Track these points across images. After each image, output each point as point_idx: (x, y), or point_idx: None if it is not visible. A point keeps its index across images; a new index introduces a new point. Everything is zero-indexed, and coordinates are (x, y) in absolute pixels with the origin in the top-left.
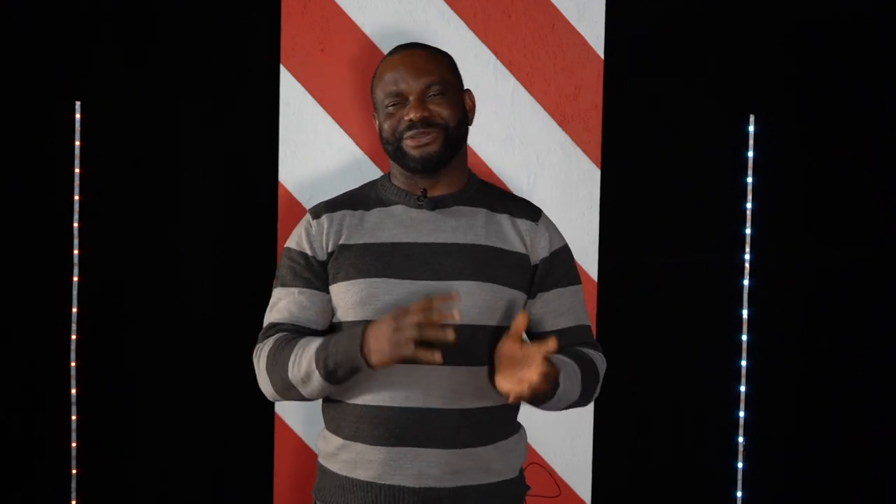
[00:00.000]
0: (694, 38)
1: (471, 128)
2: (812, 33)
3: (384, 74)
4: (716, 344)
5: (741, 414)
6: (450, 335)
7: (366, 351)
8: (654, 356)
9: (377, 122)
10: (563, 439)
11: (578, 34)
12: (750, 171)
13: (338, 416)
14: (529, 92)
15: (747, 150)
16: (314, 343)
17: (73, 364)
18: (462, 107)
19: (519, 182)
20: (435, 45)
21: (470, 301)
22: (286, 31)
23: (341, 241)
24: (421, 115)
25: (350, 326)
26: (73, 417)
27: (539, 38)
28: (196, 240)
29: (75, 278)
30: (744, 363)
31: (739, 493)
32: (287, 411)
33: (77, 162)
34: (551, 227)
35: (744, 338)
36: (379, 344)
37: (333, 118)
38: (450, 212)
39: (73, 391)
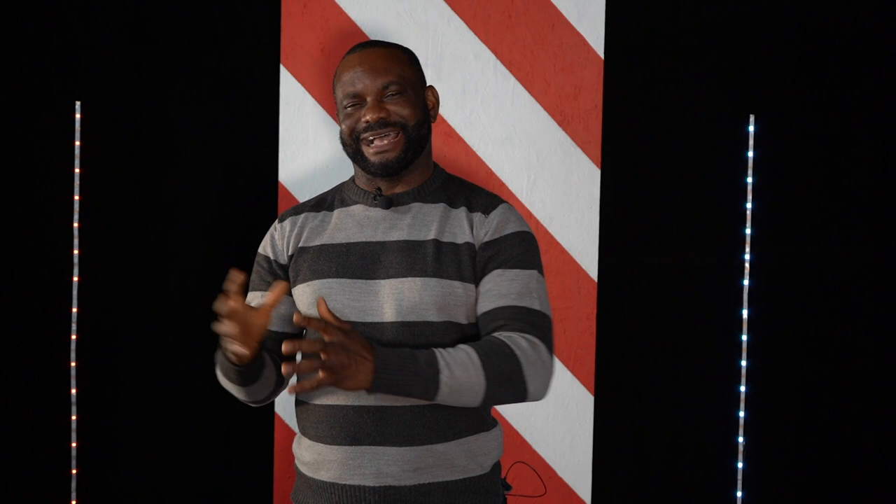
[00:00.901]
0: (694, 38)
1: (471, 128)
2: (812, 33)
3: (342, 74)
4: (716, 344)
5: (741, 414)
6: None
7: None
8: (654, 356)
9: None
10: (563, 439)
11: (578, 34)
12: (750, 171)
13: (304, 417)
14: (529, 92)
15: (747, 150)
16: (219, 354)
17: (73, 364)
18: (423, 104)
19: (519, 182)
20: (435, 45)
21: (417, 297)
22: (286, 31)
23: (301, 244)
24: (378, 116)
25: (311, 330)
26: (73, 417)
27: (539, 38)
28: (196, 240)
29: (75, 278)
30: (744, 363)
31: (739, 493)
32: (287, 412)
33: (77, 162)
34: (505, 215)
35: (744, 338)
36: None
37: (333, 118)
38: (406, 209)
39: (73, 391)
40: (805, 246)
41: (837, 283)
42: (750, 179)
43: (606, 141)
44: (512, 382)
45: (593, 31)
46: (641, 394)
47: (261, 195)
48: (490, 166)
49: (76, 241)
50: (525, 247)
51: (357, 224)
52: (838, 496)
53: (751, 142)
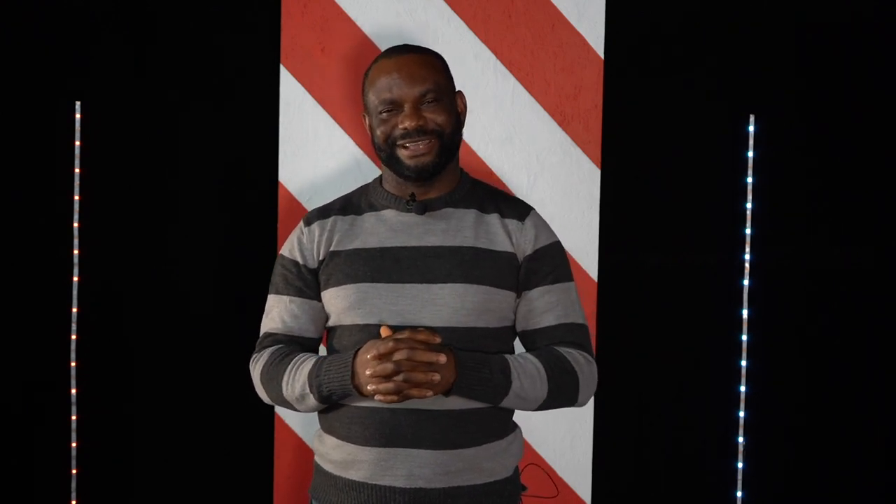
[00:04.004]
0: (694, 38)
1: (471, 128)
2: (812, 33)
3: (377, 79)
4: (716, 344)
5: (741, 414)
6: (435, 378)
7: (356, 383)
8: (654, 356)
9: (367, 121)
10: (563, 439)
11: (578, 34)
12: (750, 171)
13: (331, 416)
14: (529, 92)
15: (747, 150)
16: (307, 365)
17: (73, 364)
18: (455, 111)
19: (519, 182)
20: (435, 45)
21: (458, 303)
22: (286, 31)
23: (332, 248)
24: (416, 123)
25: (343, 332)
26: (73, 417)
27: (539, 38)
28: (196, 240)
29: (75, 278)
30: (744, 363)
31: (739, 493)
32: (287, 412)
33: (77, 162)
34: (539, 224)
35: (744, 338)
36: (367, 379)
37: (333, 118)
38: (439, 214)
39: (73, 391)
40: (805, 246)
41: (837, 283)
42: (750, 179)
43: (606, 141)
44: (567, 396)
45: (593, 31)
46: (641, 394)
47: (261, 195)
48: (490, 166)
49: (76, 241)
50: (562, 258)
51: (390, 229)
52: (838, 496)
53: (751, 142)
